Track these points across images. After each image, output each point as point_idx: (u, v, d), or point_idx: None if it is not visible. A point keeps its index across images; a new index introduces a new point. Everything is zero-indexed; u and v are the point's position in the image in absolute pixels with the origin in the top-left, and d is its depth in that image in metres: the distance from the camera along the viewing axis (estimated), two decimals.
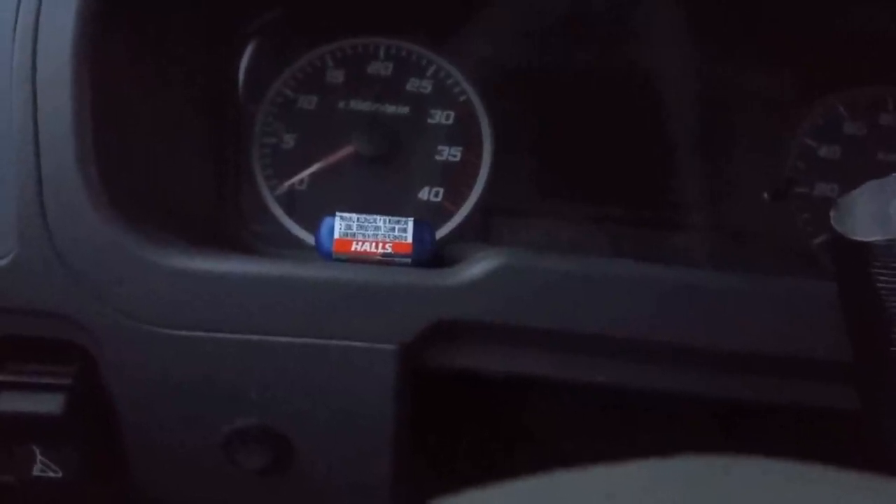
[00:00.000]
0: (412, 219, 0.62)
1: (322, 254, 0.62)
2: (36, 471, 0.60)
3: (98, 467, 0.61)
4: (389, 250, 0.61)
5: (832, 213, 0.48)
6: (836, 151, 0.75)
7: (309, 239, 0.72)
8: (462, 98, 0.75)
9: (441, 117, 0.75)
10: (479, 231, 0.74)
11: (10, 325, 0.58)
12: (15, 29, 0.57)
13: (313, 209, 0.71)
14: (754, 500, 0.25)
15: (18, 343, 0.59)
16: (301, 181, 0.73)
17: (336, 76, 0.75)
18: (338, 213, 0.62)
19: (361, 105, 0.75)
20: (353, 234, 0.61)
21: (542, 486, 0.25)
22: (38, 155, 0.57)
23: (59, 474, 0.60)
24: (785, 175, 0.74)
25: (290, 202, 0.73)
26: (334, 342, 0.57)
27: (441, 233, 0.73)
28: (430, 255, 0.62)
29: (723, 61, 0.75)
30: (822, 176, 0.75)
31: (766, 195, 0.73)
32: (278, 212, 0.73)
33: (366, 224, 0.61)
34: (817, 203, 0.74)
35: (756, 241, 0.73)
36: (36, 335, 0.58)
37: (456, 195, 0.74)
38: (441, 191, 0.74)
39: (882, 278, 0.44)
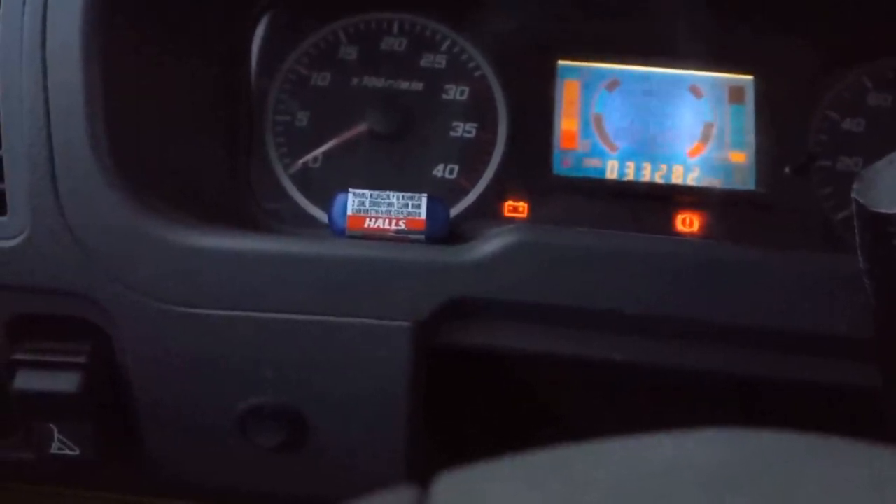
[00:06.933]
0: (425, 194, 0.61)
1: (335, 231, 0.61)
2: (54, 449, 0.60)
3: (114, 445, 0.61)
4: (403, 226, 0.60)
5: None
6: (860, 124, 0.73)
7: (323, 217, 0.72)
8: (477, 73, 0.74)
9: (455, 93, 0.74)
10: (495, 207, 0.73)
11: (25, 304, 0.59)
12: (24, 5, 0.57)
13: (327, 187, 0.71)
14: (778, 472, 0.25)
15: (34, 322, 0.59)
16: (315, 159, 0.73)
17: (349, 52, 0.74)
18: (350, 190, 0.61)
19: (375, 81, 0.74)
20: (367, 211, 0.61)
21: (550, 460, 0.24)
22: (49, 135, 0.57)
23: (77, 452, 0.60)
24: (807, 149, 0.72)
25: (304, 180, 0.73)
26: (348, 320, 0.57)
27: (456, 210, 0.72)
28: (444, 231, 0.61)
29: (742, 32, 0.73)
30: (845, 149, 0.73)
31: (787, 169, 0.72)
32: (292, 190, 0.72)
33: (379, 200, 0.61)
34: (840, 177, 0.72)
35: (778, 215, 0.72)
36: (50, 313, 0.59)
37: (471, 172, 0.73)
38: (456, 168, 0.73)
39: None
